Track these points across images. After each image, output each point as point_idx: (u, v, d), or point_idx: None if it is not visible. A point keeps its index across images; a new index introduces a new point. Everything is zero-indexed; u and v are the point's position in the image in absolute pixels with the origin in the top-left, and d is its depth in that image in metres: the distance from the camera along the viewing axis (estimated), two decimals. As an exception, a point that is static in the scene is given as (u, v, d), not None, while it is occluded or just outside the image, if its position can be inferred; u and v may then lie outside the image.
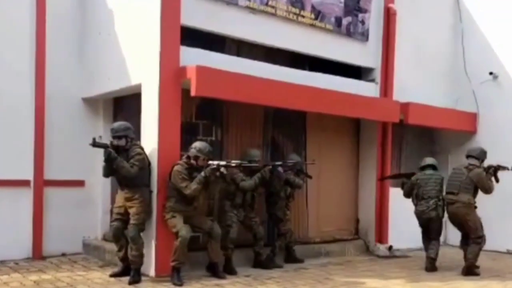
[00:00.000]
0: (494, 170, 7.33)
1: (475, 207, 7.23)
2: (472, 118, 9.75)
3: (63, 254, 7.30)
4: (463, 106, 9.82)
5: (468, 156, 7.47)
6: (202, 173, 6.04)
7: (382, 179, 8.48)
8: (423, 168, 7.64)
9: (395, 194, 8.70)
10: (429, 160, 7.73)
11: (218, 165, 6.10)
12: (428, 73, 9.56)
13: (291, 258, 7.39)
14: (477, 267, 7.19)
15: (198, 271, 6.33)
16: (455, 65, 9.99)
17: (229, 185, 6.48)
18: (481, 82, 9.70)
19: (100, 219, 7.55)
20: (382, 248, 8.39)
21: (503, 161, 8.18)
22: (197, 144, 6.25)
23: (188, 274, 6.15)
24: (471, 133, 9.76)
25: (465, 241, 7.32)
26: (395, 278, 6.64)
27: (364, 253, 8.48)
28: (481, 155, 7.44)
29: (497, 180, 7.34)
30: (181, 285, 5.83)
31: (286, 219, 7.28)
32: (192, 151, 6.18)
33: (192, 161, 6.14)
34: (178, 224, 5.98)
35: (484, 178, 7.19)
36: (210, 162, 6.14)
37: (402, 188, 7.81)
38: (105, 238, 7.42)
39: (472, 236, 7.16)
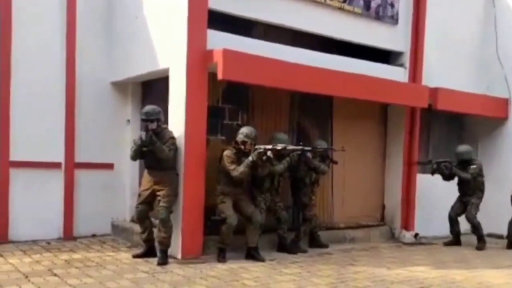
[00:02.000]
0: None
1: None
2: (504, 103, 9.54)
3: (93, 235, 7.48)
4: (495, 91, 9.61)
5: None
6: (250, 157, 6.24)
7: (411, 164, 8.39)
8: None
9: (422, 181, 8.67)
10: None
11: (265, 149, 6.25)
12: (458, 58, 9.36)
13: (315, 243, 7.42)
14: None
15: (241, 253, 6.47)
16: (486, 50, 9.74)
17: (263, 170, 6.51)
18: (512, 67, 9.48)
19: (128, 202, 7.67)
20: (408, 235, 8.34)
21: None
22: (244, 130, 6.46)
23: (228, 255, 6.31)
24: (502, 119, 9.57)
25: None
26: (419, 265, 6.61)
27: (389, 239, 8.45)
28: None
29: None
30: (224, 261, 6.16)
31: (312, 205, 7.30)
32: (240, 136, 6.39)
33: (240, 146, 6.32)
34: (227, 210, 6.26)
35: None
36: (257, 146, 6.28)
37: (438, 173, 7.97)
38: (133, 220, 7.53)
39: None
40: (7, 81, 6.90)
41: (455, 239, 8.28)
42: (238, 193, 6.44)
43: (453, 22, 9.21)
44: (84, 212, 7.43)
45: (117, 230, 7.60)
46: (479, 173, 8.13)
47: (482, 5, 9.79)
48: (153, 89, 7.57)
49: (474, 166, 8.05)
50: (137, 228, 6.60)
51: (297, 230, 7.18)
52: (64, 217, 7.32)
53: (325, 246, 7.41)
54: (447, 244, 8.25)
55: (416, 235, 8.35)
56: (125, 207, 7.74)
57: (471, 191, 8.14)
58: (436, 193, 8.63)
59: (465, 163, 8.13)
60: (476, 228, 8.05)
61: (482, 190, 8.17)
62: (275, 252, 6.89)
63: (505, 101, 9.55)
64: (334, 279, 5.63)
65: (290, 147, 6.61)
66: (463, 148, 8.26)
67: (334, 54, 7.83)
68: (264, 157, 6.25)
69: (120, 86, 7.77)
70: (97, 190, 7.56)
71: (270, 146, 6.31)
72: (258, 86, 6.99)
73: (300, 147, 6.72)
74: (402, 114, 8.59)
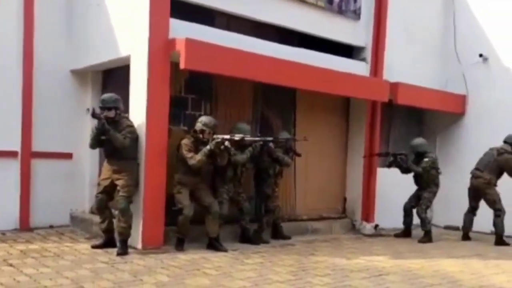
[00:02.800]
0: None
1: (495, 185, 8.14)
2: (461, 100, 9.80)
3: (51, 226, 7.28)
4: (453, 87, 9.88)
5: (504, 141, 8.27)
6: (208, 146, 6.21)
7: (370, 155, 8.54)
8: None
9: (382, 174, 8.81)
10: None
11: (223, 139, 6.22)
12: (418, 53, 9.56)
13: (278, 234, 7.45)
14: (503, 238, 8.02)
15: (203, 243, 6.44)
16: (445, 47, 10.01)
17: (221, 160, 6.48)
18: (471, 64, 9.74)
19: (88, 192, 7.50)
20: (368, 227, 8.48)
21: (490, 144, 8.37)
22: (203, 118, 6.43)
23: (190, 245, 6.29)
24: (460, 115, 9.85)
25: (470, 213, 8.36)
26: (378, 255, 6.72)
27: (350, 231, 8.58)
28: None
29: None
30: (181, 250, 6.16)
31: (275, 196, 7.32)
32: (198, 125, 6.36)
33: (199, 135, 6.29)
34: (184, 200, 6.23)
35: (511, 164, 8.06)
36: (215, 136, 6.26)
37: (395, 166, 8.21)
38: (92, 211, 7.38)
39: (492, 208, 8.06)
40: (-40, 67, 6.65)
41: (405, 231, 8.43)
42: (197, 183, 6.38)
43: (414, 18, 9.40)
44: (41, 203, 7.22)
45: (76, 221, 7.43)
46: (432, 166, 8.27)
47: (442, 1, 10.02)
48: (114, 77, 7.43)
49: (426, 160, 8.20)
50: (96, 219, 6.49)
51: (259, 221, 7.19)
52: (20, 207, 7.09)
53: (287, 237, 7.45)
54: (397, 235, 8.39)
55: (376, 226, 8.50)
56: (84, 197, 7.58)
57: (424, 184, 8.31)
58: (396, 186, 8.77)
59: (421, 156, 8.30)
60: (423, 222, 8.19)
61: (436, 184, 8.34)
62: (237, 243, 6.89)
63: (463, 98, 9.82)
64: (295, 268, 5.66)
65: (249, 137, 6.58)
66: (417, 141, 8.44)
67: (297, 47, 7.89)
68: (222, 147, 6.24)
69: (80, 74, 7.60)
70: (55, 180, 7.36)
71: (228, 136, 6.29)
72: (221, 76, 6.97)
73: (258, 138, 6.72)
74: (364, 107, 8.72)
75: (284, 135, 7.39)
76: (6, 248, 5.91)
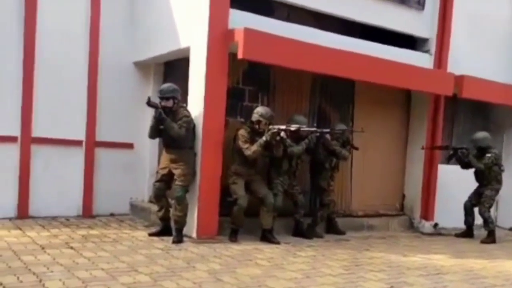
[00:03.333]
0: None
1: None
2: (532, 94, 9.28)
3: (112, 214, 7.53)
4: (523, 83, 9.37)
5: None
6: (264, 137, 6.22)
7: (430, 148, 8.26)
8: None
9: (444, 171, 8.50)
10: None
11: (279, 129, 6.22)
12: (485, 45, 9.11)
13: (332, 229, 7.36)
14: None
15: (257, 235, 6.46)
16: (515, 40, 9.51)
17: (277, 151, 6.47)
18: (542, 58, 9.21)
19: (147, 182, 7.66)
20: (427, 225, 8.21)
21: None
22: (259, 109, 6.44)
23: (244, 237, 6.33)
24: (530, 110, 9.33)
25: None
26: (437, 254, 6.51)
27: (408, 229, 8.33)
28: None
29: None
30: (235, 241, 6.21)
31: (330, 190, 7.23)
32: (255, 116, 6.38)
33: (255, 126, 6.32)
34: (239, 191, 6.26)
35: None
36: (271, 126, 6.26)
37: (456, 160, 7.85)
38: (151, 200, 7.57)
39: None
40: (31, 58, 6.94)
41: (467, 231, 8.09)
42: (252, 174, 6.42)
43: (481, 8, 8.94)
44: (103, 191, 7.48)
45: (136, 209, 7.65)
46: (495, 163, 7.90)
47: (512, -7, 9.52)
48: (175, 69, 7.57)
49: (489, 155, 7.84)
50: (154, 208, 6.63)
51: (314, 215, 7.12)
52: (84, 195, 7.37)
53: (342, 232, 7.35)
54: (458, 235, 8.07)
55: (435, 225, 8.21)
56: (144, 187, 7.77)
57: (486, 181, 7.95)
58: (458, 184, 8.42)
59: (483, 151, 7.93)
60: (486, 222, 7.85)
61: (498, 181, 7.96)
62: (290, 236, 6.86)
63: (533, 92, 9.29)
64: (348, 263, 5.58)
65: (305, 127, 6.53)
66: (480, 135, 8.06)
67: (358, 39, 7.72)
68: (278, 137, 6.22)
69: (142, 66, 7.79)
70: (117, 170, 7.60)
71: (284, 127, 6.27)
72: (279, 68, 6.95)
73: (314, 129, 6.64)
74: (426, 101, 8.44)
75: (340, 127, 7.27)
76: (69, 232, 6.17)
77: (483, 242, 7.67)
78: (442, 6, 8.42)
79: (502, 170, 8.04)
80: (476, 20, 8.88)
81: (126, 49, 7.64)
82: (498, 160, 8.01)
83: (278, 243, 6.30)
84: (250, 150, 6.21)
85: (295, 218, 6.93)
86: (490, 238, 7.75)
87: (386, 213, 8.34)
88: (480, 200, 7.95)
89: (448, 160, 8.06)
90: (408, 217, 8.51)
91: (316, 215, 7.12)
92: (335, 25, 7.55)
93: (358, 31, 7.93)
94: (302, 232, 6.91)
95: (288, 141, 6.45)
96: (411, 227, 8.39)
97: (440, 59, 8.46)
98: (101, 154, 7.49)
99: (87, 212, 7.34)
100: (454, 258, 6.31)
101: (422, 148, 8.23)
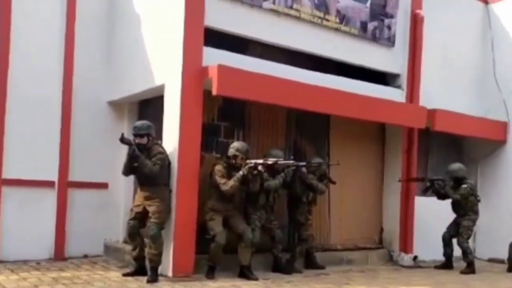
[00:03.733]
0: None
1: None
2: (503, 127, 9.51)
3: (85, 256, 7.31)
4: (494, 115, 9.57)
5: None
6: (240, 172, 6.17)
7: (406, 180, 8.32)
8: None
9: (421, 203, 8.55)
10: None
11: (256, 164, 6.17)
12: (456, 81, 9.37)
13: (311, 264, 7.27)
14: None
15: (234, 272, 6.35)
16: (484, 74, 9.78)
17: (254, 185, 6.42)
18: (511, 91, 9.46)
19: (122, 222, 7.50)
20: (406, 258, 8.17)
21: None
22: (235, 144, 6.45)
23: (221, 274, 6.22)
24: (502, 142, 9.51)
25: None
26: (417, 285, 6.46)
27: (387, 262, 8.28)
28: None
29: None
30: (212, 278, 6.07)
31: (308, 224, 7.18)
32: (231, 151, 6.36)
33: (231, 161, 6.30)
34: (216, 228, 6.18)
35: None
36: (248, 161, 6.24)
37: (432, 191, 7.94)
38: (126, 241, 7.40)
39: None
40: (3, 96, 6.86)
41: (446, 262, 8.07)
42: (229, 209, 6.35)
43: (452, 45, 9.24)
44: (76, 232, 7.28)
45: (109, 250, 7.46)
46: (471, 193, 7.98)
47: (480, 28, 9.87)
48: (149, 108, 7.54)
49: (464, 186, 7.92)
50: (129, 248, 6.46)
51: (292, 250, 7.03)
52: (56, 237, 7.17)
53: (321, 267, 7.25)
54: (438, 267, 8.04)
55: (415, 257, 8.17)
56: (118, 227, 7.60)
57: (462, 211, 7.99)
58: (435, 216, 8.45)
59: (458, 182, 8.02)
60: (465, 253, 7.87)
61: (475, 211, 8.01)
62: (269, 272, 6.73)
63: (504, 125, 9.53)
64: (328, 298, 5.48)
65: (282, 161, 6.51)
66: (454, 166, 8.16)
67: (332, 75, 7.84)
68: (255, 172, 6.20)
69: (117, 105, 7.76)
70: (91, 210, 7.44)
71: (261, 161, 6.25)
72: (254, 104, 7.02)
73: (292, 162, 6.63)
74: (400, 134, 8.54)
75: (316, 160, 7.28)
76: (39, 275, 5.95)
77: (462, 273, 7.66)
78: (412, 42, 8.66)
79: (479, 200, 8.11)
80: (446, 55, 9.15)
81: (100, 88, 7.61)
82: (474, 190, 8.08)
83: (256, 279, 6.18)
84: (227, 185, 6.15)
85: (274, 254, 6.83)
86: (470, 268, 7.74)
87: (365, 246, 8.30)
88: (458, 231, 7.96)
89: (424, 192, 8.13)
90: (387, 250, 8.47)
91: (295, 250, 7.03)
92: (309, 62, 7.67)
93: (332, 68, 8.05)
94: (281, 267, 6.80)
95: (265, 175, 6.42)
96: (391, 260, 8.34)
97: (412, 94, 8.63)
98: (74, 194, 7.34)
99: (59, 255, 7.12)
100: (435, 289, 6.27)
101: (399, 181, 8.28)
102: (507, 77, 9.51)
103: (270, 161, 6.32)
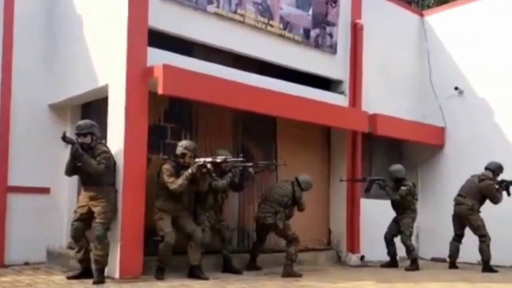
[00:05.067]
0: (506, 185, 8.10)
1: (479, 212, 8.06)
2: (440, 132, 9.93)
3: (26, 263, 7.00)
4: (431, 121, 10.01)
5: (485, 168, 8.23)
6: (189, 170, 6.08)
7: (348, 180, 8.54)
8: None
9: (366, 205, 8.76)
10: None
11: (205, 162, 6.12)
12: (395, 88, 9.74)
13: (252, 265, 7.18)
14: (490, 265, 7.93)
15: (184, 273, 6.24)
16: (421, 81, 10.24)
17: (203, 184, 6.38)
18: (447, 97, 9.94)
19: (65, 227, 7.24)
20: (354, 258, 8.33)
21: (470, 173, 8.38)
22: (183, 142, 6.38)
23: (171, 275, 6.10)
24: (439, 146, 9.93)
25: (456, 241, 8.24)
26: (366, 281, 6.58)
27: (336, 263, 8.41)
28: (497, 169, 8.20)
29: (508, 194, 8.12)
30: (161, 279, 5.94)
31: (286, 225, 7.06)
32: (179, 149, 6.29)
33: (180, 159, 6.22)
34: (165, 228, 6.07)
35: (492, 190, 8.03)
36: (197, 159, 6.17)
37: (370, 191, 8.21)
38: (70, 247, 7.15)
39: (476, 234, 7.99)
40: None
41: (391, 260, 8.28)
42: (178, 209, 6.27)
43: (390, 53, 9.63)
44: (16, 239, 6.97)
45: (52, 256, 7.17)
46: (409, 194, 8.24)
47: (416, 38, 10.36)
48: (92, 111, 7.37)
49: (404, 188, 8.17)
50: (73, 253, 6.25)
51: (286, 253, 6.86)
52: (-5, 244, 6.87)
53: (258, 268, 7.16)
54: (384, 266, 8.23)
55: (362, 257, 8.34)
56: (61, 233, 7.34)
57: (401, 209, 8.25)
58: (381, 217, 8.66)
59: (399, 182, 8.28)
60: (408, 249, 8.10)
61: (412, 210, 8.27)
62: (219, 273, 6.67)
63: (441, 130, 9.95)
64: (279, 290, 5.49)
65: (231, 158, 6.53)
66: (394, 167, 8.43)
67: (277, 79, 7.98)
68: (204, 170, 6.14)
69: (58, 108, 7.56)
70: (32, 215, 7.15)
71: (210, 159, 6.23)
72: (201, 106, 7.05)
73: (241, 159, 6.63)
74: (344, 139, 8.76)
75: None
76: (-23, 281, 5.66)
77: (407, 269, 7.86)
78: (353, 50, 8.97)
79: (416, 199, 8.41)
80: (385, 63, 9.51)
81: (41, 91, 7.40)
82: (412, 191, 8.32)
83: (207, 278, 6.11)
84: (176, 183, 6.08)
85: (223, 254, 6.78)
86: (414, 265, 7.96)
87: (314, 247, 8.38)
88: (399, 229, 8.19)
89: (366, 192, 8.34)
90: (336, 251, 8.60)
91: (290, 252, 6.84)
92: (254, 67, 7.78)
93: (276, 73, 8.17)
94: (232, 267, 6.74)
95: (214, 174, 6.40)
96: (339, 260, 8.47)
97: (354, 99, 8.90)
98: (14, 199, 7.06)
99: (-1, 262, 6.81)
100: (382, 283, 6.41)
101: (341, 180, 8.48)
102: (442, 84, 10.00)
103: (219, 159, 6.31)
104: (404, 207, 8.22)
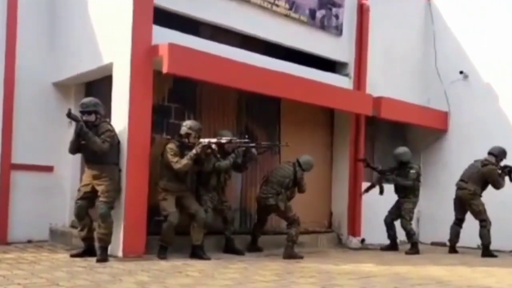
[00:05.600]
0: (509, 170, 8.07)
1: (480, 196, 8.06)
2: (444, 116, 9.90)
3: (29, 241, 7.05)
4: (435, 105, 9.96)
5: (488, 153, 8.19)
6: (194, 150, 6.07)
7: (359, 160, 8.58)
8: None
9: (368, 188, 8.76)
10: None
11: (209, 142, 6.11)
12: (401, 71, 9.68)
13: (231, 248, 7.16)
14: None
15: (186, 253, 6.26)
16: (426, 65, 10.16)
17: (207, 165, 6.37)
18: (452, 82, 9.88)
19: (69, 206, 7.29)
20: (354, 241, 8.37)
21: (473, 160, 8.37)
22: (188, 122, 6.36)
23: (173, 254, 6.12)
24: (443, 131, 9.91)
25: (456, 225, 8.25)
26: (365, 263, 6.61)
27: (336, 245, 8.46)
28: (500, 154, 8.17)
29: (511, 180, 8.05)
30: (164, 258, 5.95)
31: (288, 207, 7.05)
32: (183, 129, 6.27)
33: (184, 139, 6.20)
34: (169, 208, 6.08)
35: (495, 175, 7.99)
36: (201, 140, 6.16)
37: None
38: (72, 225, 7.20)
39: (477, 219, 8.00)
40: None
41: (391, 244, 8.33)
42: (182, 190, 6.28)
43: (396, 36, 9.55)
44: (20, 217, 7.02)
45: (55, 235, 7.22)
46: (417, 178, 8.28)
47: (423, 22, 10.26)
48: (96, 89, 7.35)
49: (413, 171, 8.20)
50: (76, 232, 6.28)
51: (288, 235, 6.86)
52: (-2, 221, 6.90)
53: (260, 249, 7.20)
54: (384, 249, 8.27)
55: (362, 240, 8.39)
56: (64, 211, 7.38)
57: (403, 194, 8.26)
58: (382, 201, 8.66)
59: (403, 165, 8.28)
60: (408, 234, 8.13)
61: (415, 195, 8.28)
62: (221, 253, 6.71)
63: (445, 114, 9.92)
64: (280, 271, 5.53)
65: (236, 139, 6.51)
66: (400, 149, 8.43)
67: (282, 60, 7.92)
68: (209, 150, 6.15)
69: (62, 87, 7.54)
70: (35, 194, 7.19)
71: (214, 140, 6.23)
72: (205, 86, 7.01)
73: (246, 140, 6.60)
74: (348, 121, 8.74)
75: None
76: (-19, 257, 5.70)
77: (407, 253, 7.90)
78: (359, 32, 8.89)
79: (420, 184, 8.41)
80: (390, 46, 9.43)
81: (45, 69, 7.38)
82: (419, 175, 8.35)
83: (208, 259, 6.14)
84: (180, 163, 6.07)
85: (225, 235, 6.81)
86: (414, 249, 7.99)
87: (315, 230, 8.41)
88: (400, 213, 8.22)
89: (380, 193, 8.32)
90: (336, 233, 8.65)
91: (291, 234, 6.82)
92: (259, 48, 7.72)
93: (282, 55, 8.12)
94: (233, 248, 6.77)
95: (218, 155, 6.39)
96: (339, 243, 8.52)
97: (359, 82, 8.85)
98: (17, 177, 7.08)
99: (2, 239, 6.85)
100: (381, 265, 6.43)
101: (358, 160, 8.56)
102: (447, 68, 9.92)
103: (224, 139, 6.29)
104: (407, 192, 8.23)
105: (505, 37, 9.34)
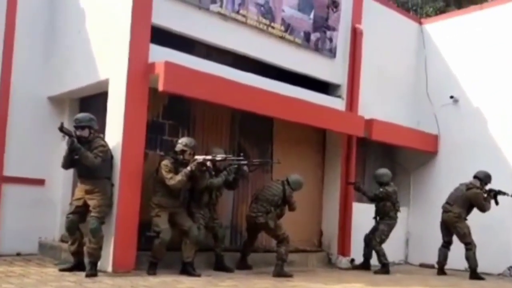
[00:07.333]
0: (494, 194, 8.23)
1: (465, 219, 8.17)
2: (433, 139, 10.02)
3: (18, 254, 7.02)
4: (425, 128, 10.09)
5: (474, 177, 8.35)
6: (188, 167, 6.12)
7: (350, 183, 8.67)
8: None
9: (358, 209, 8.83)
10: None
11: (204, 160, 6.14)
12: (391, 94, 9.83)
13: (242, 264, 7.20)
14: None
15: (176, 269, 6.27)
16: (417, 88, 10.33)
17: (202, 182, 6.40)
18: (442, 105, 10.03)
19: (59, 220, 7.29)
20: (344, 261, 8.38)
21: (462, 181, 8.47)
22: (183, 139, 6.42)
23: (163, 271, 6.13)
24: (432, 153, 10.02)
25: (444, 248, 8.34)
26: (355, 283, 6.65)
27: (326, 265, 8.47)
28: (485, 178, 8.32)
29: (496, 203, 8.22)
30: (153, 274, 5.96)
31: (277, 225, 7.07)
32: (179, 146, 6.33)
33: (179, 156, 6.25)
34: (162, 224, 6.10)
35: (479, 198, 8.12)
36: (196, 157, 6.21)
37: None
38: (62, 240, 7.19)
39: (462, 242, 8.10)
40: None
41: (364, 263, 8.37)
42: (176, 206, 6.30)
43: (388, 60, 9.71)
44: (9, 229, 6.99)
45: (45, 249, 7.19)
46: (387, 198, 8.28)
47: (415, 46, 10.44)
48: (90, 105, 7.39)
49: (381, 190, 8.29)
50: (66, 246, 6.28)
51: (277, 254, 6.90)
52: (-13, 234, 6.87)
53: (249, 267, 7.18)
54: (355, 267, 8.28)
55: (352, 260, 8.41)
56: (55, 225, 7.37)
57: (381, 215, 8.35)
58: (372, 222, 8.73)
59: (383, 186, 8.38)
60: (378, 254, 8.18)
61: (390, 217, 8.31)
62: (211, 271, 6.72)
63: (435, 137, 10.04)
64: (270, 289, 5.55)
65: (231, 157, 6.57)
66: (380, 171, 8.53)
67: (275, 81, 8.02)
68: (203, 168, 6.19)
69: (57, 101, 7.59)
70: (26, 207, 7.19)
71: (209, 157, 6.28)
72: (199, 104, 7.08)
73: (240, 158, 6.66)
74: (339, 142, 8.83)
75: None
76: (-31, 270, 5.67)
77: (376, 273, 7.95)
78: (352, 55, 9.04)
79: (397, 208, 8.41)
80: (383, 70, 9.60)
81: (40, 83, 7.44)
82: (390, 196, 8.33)
83: (198, 275, 6.14)
84: (175, 179, 6.10)
85: (216, 252, 6.82)
86: (384, 269, 8.04)
87: (305, 249, 8.43)
88: (374, 234, 8.30)
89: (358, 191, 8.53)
90: (326, 253, 8.66)
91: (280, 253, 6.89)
92: (253, 68, 7.81)
93: (275, 75, 8.20)
94: (224, 266, 6.79)
95: (213, 173, 6.43)
96: (329, 263, 8.53)
97: (351, 103, 8.97)
98: (8, 190, 7.08)
99: (-11, 252, 6.82)
100: (370, 286, 6.49)
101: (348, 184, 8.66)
102: (438, 92, 10.08)
103: (219, 157, 6.35)
104: (383, 213, 8.33)
105: (494, 61, 9.51)
